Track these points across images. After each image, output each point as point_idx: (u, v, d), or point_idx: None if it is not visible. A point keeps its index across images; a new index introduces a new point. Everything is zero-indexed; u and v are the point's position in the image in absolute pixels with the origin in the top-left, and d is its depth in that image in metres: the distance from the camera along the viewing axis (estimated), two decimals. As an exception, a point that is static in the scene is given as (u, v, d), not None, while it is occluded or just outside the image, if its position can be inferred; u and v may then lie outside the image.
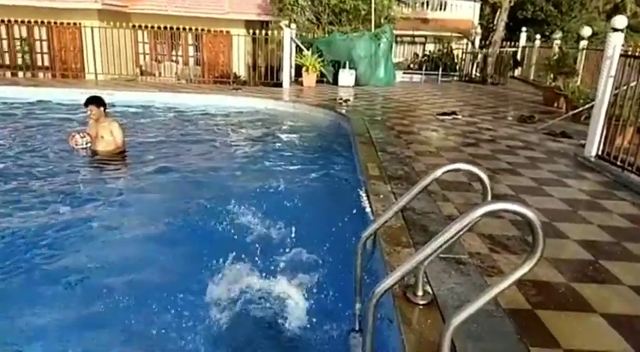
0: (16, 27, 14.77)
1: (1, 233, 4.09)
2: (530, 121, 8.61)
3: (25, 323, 2.98)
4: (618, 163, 5.17)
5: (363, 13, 15.22)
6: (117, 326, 2.94)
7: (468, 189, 4.52)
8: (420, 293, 2.49)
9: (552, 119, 8.49)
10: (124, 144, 6.52)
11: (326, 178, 5.94)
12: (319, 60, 13.67)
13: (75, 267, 3.63)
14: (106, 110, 6.42)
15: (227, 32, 15.56)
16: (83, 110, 6.49)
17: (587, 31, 12.24)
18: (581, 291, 2.72)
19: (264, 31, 13.84)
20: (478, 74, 17.11)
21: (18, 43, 14.98)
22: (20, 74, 14.33)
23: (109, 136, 6.33)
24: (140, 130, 8.20)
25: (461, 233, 1.97)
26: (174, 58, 16.88)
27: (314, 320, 2.97)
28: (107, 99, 6.60)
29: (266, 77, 14.13)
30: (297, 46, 13.88)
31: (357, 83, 13.92)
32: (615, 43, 5.44)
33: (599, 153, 5.63)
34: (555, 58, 11.53)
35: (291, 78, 13.54)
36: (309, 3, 15.32)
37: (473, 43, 18.00)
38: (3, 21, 14.38)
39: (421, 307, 2.44)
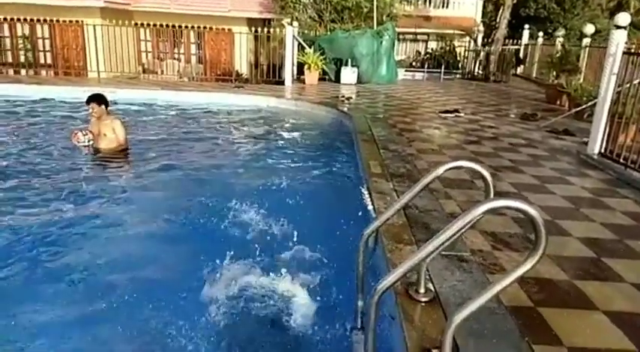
0: (18, 25, 14.79)
1: (3, 230, 4.10)
2: (532, 119, 8.59)
3: (28, 320, 2.99)
4: (621, 161, 5.16)
5: (365, 10, 15.20)
6: (118, 323, 2.95)
7: (471, 186, 4.52)
8: (422, 290, 2.49)
9: (555, 117, 8.48)
10: (126, 142, 6.52)
11: (328, 176, 5.94)
12: (321, 58, 13.67)
13: (78, 264, 3.64)
14: (108, 108, 6.42)
15: (229, 30, 15.57)
16: (86, 108, 6.49)
17: (590, 29, 12.21)
18: (584, 289, 2.71)
19: (266, 29, 13.82)
20: (480, 72, 17.08)
21: (21, 40, 15.01)
22: (23, 72, 14.35)
23: (112, 134, 6.33)
24: (142, 128, 8.20)
25: (463, 230, 1.97)
26: (176, 56, 16.90)
27: (316, 317, 2.97)
28: (109, 97, 6.60)
29: (268, 75, 14.13)
30: (299, 43, 13.88)
31: (359, 81, 13.92)
32: (618, 40, 5.42)
33: (602, 150, 5.62)
34: (558, 55, 11.52)
35: (293, 76, 13.54)
36: (311, 0, 15.31)
37: (475, 41, 17.95)
38: (6, 19, 14.41)
39: (423, 304, 2.44)
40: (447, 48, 18.61)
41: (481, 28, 18.85)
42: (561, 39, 14.17)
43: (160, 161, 6.36)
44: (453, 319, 1.81)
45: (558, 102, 10.39)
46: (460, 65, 18.00)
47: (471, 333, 2.18)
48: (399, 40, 18.73)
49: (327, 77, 14.28)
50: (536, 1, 25.10)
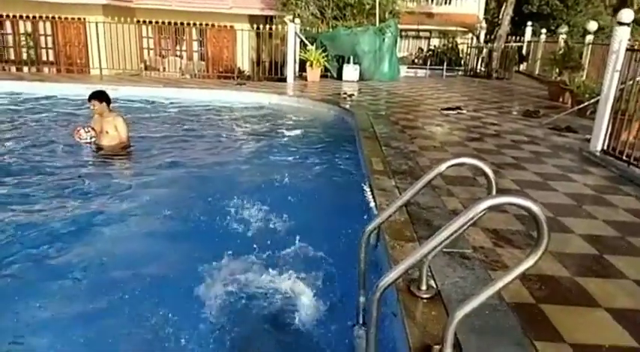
0: (21, 22, 14.81)
1: (5, 226, 4.11)
2: (535, 116, 8.57)
3: (32, 316, 3.01)
4: (624, 158, 5.14)
5: (367, 7, 15.16)
6: (120, 319, 2.96)
7: (473, 183, 4.51)
8: (423, 287, 2.49)
9: (557, 114, 8.45)
10: (128, 140, 6.53)
11: (330, 173, 5.94)
12: (323, 55, 13.65)
13: (80, 261, 3.65)
14: (110, 105, 6.43)
15: (231, 27, 15.56)
16: (88, 105, 6.50)
17: (593, 26, 12.16)
18: (586, 286, 2.71)
19: (268, 26, 13.81)
20: (483, 69, 17.04)
21: (23, 38, 15.03)
22: (25, 69, 14.38)
23: (114, 131, 6.34)
24: (144, 125, 8.21)
25: (465, 227, 1.97)
26: (178, 53, 16.90)
27: (318, 313, 2.98)
28: (111, 95, 6.60)
29: (270, 72, 14.12)
30: (301, 40, 13.86)
31: (361, 78, 13.90)
32: (621, 37, 5.41)
33: (605, 147, 5.61)
34: (561, 52, 11.47)
35: (295, 73, 13.52)
36: (313, -3, 15.29)
37: (478, 38, 17.90)
38: (8, 16, 14.42)
39: (425, 301, 2.44)
40: (450, 45, 18.60)
41: (484, 24, 18.80)
42: (564, 36, 14.10)
43: (162, 158, 6.37)
44: (455, 315, 1.81)
45: (561, 100, 10.36)
46: (462, 62, 17.97)
47: (472, 330, 2.18)
48: (401, 36, 18.69)
49: (329, 74, 14.26)
50: (539, -2, 25.00)
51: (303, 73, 13.74)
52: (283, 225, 4.19)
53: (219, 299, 3.11)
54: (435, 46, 19.53)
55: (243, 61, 15.49)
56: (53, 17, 14.25)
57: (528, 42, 17.88)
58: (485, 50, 17.17)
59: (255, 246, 3.69)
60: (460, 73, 17.33)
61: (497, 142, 6.48)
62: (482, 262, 2.91)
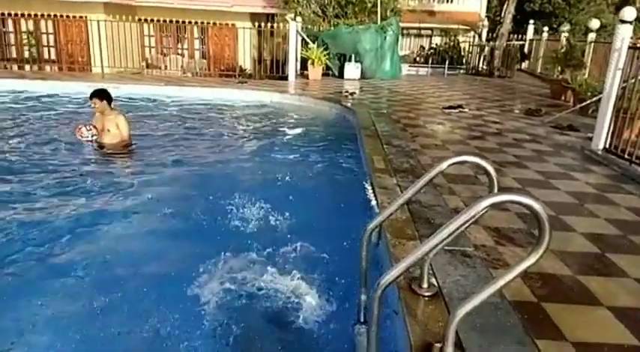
0: (22, 20, 14.81)
1: (6, 224, 4.11)
2: (537, 114, 8.55)
3: (33, 313, 3.01)
4: (626, 156, 5.14)
5: (368, 5, 15.15)
6: (121, 317, 2.96)
7: (474, 182, 4.51)
8: (425, 285, 2.49)
9: (559, 112, 8.44)
10: (129, 138, 6.53)
11: (331, 171, 5.93)
12: (325, 53, 13.64)
13: (81, 259, 3.65)
14: (112, 103, 6.43)
15: (232, 25, 15.53)
16: (89, 103, 6.50)
17: (595, 24, 12.12)
18: (588, 284, 2.71)
19: (269, 24, 13.80)
20: (485, 67, 17.01)
21: (25, 36, 15.03)
22: (27, 67, 14.38)
23: (115, 129, 6.34)
24: (146, 123, 8.21)
25: (466, 225, 1.96)
26: (179, 51, 16.90)
27: (320, 311, 2.98)
28: (113, 93, 6.60)
29: (272, 70, 14.11)
30: (302, 39, 13.85)
31: (362, 76, 13.89)
32: (624, 35, 5.39)
33: (607, 146, 5.60)
34: (563, 50, 11.43)
35: (296, 71, 13.52)
36: (315, -5, 15.28)
37: (480, 36, 17.87)
38: (10, 14, 14.43)
39: (426, 299, 2.44)
40: (451, 43, 18.55)
41: (485, 22, 18.77)
42: (566, 34, 14.07)
43: (164, 156, 6.38)
44: (456, 313, 1.81)
45: (563, 98, 10.34)
46: (464, 60, 17.93)
47: (474, 328, 2.18)
48: (402, 35, 18.66)
49: (330, 72, 14.26)
50: (541, -4, 24.97)
51: (305, 72, 13.74)
52: (285, 223, 4.18)
53: (221, 297, 3.11)
54: (436, 45, 19.47)
55: (245, 59, 15.48)
56: (55, 15, 14.23)
57: (530, 40, 17.85)
58: (487, 48, 17.13)
59: (256, 244, 3.69)
60: (462, 71, 17.30)
61: (498, 141, 6.47)
62: (483, 260, 2.91)
